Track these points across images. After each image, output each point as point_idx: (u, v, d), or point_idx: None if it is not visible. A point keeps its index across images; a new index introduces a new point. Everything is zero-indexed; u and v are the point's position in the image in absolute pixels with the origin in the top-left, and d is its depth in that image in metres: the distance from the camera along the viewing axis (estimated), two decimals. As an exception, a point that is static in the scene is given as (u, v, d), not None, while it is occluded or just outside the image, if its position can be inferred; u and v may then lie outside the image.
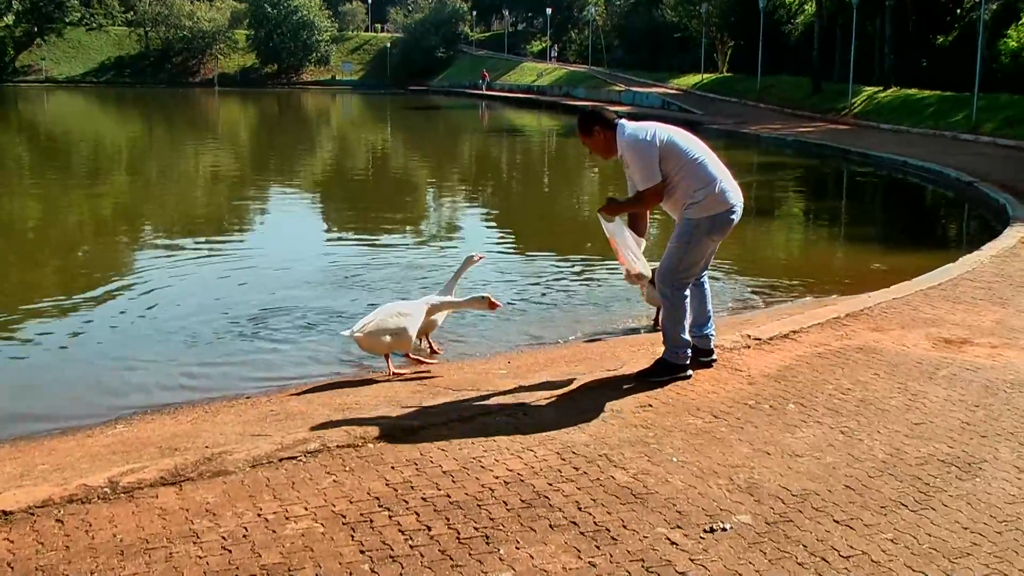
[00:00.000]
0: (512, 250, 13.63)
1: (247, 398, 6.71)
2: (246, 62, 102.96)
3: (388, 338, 6.82)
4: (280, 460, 4.56)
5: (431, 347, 7.84)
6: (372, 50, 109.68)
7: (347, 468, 4.51)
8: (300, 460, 4.59)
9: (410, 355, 7.15)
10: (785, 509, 4.13)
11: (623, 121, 6.03)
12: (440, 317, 7.49)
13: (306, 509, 4.05)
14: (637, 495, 4.25)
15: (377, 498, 4.17)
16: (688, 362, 6.06)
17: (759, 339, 6.88)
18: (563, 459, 4.66)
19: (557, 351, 7.84)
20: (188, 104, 66.63)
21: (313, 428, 5.03)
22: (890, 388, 5.83)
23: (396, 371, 7.01)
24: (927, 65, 41.67)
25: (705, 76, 58.64)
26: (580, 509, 4.10)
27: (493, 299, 7.02)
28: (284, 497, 4.17)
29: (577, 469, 4.53)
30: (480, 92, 75.94)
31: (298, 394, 6.68)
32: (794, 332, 7.11)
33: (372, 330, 6.76)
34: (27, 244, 14.07)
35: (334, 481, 4.35)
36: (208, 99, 73.58)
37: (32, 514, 3.97)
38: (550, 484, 4.35)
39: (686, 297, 6.00)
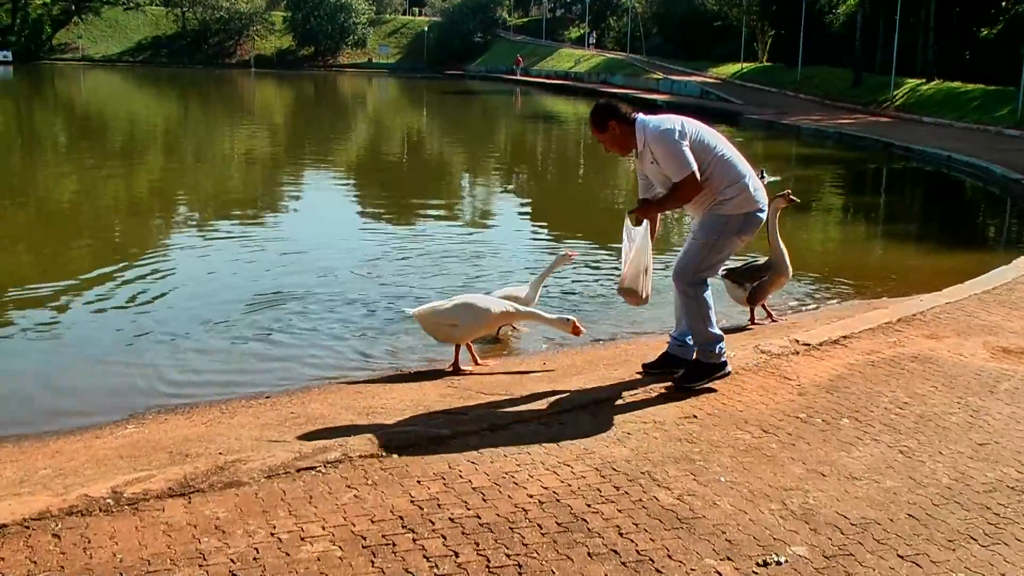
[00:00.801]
0: (547, 241, 13.26)
1: (267, 398, 6.39)
2: (283, 44, 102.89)
3: (450, 328, 6.70)
4: (298, 471, 4.25)
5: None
6: (409, 33, 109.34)
7: (369, 481, 4.19)
8: (319, 471, 4.27)
9: (469, 347, 6.92)
10: (844, 540, 3.78)
11: (641, 115, 5.67)
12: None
13: (323, 528, 3.74)
14: (683, 520, 3.91)
15: (401, 517, 3.85)
16: (724, 358, 5.73)
17: (808, 344, 6.51)
18: (602, 476, 4.32)
19: (596, 352, 7.50)
20: (224, 85, 66.52)
21: (335, 434, 4.72)
22: (949, 402, 5.46)
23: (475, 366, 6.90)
24: (971, 58, 41.03)
25: (745, 65, 58.02)
26: (621, 535, 3.77)
27: (579, 324, 6.61)
28: (300, 514, 3.86)
29: (618, 488, 4.19)
30: (516, 78, 75.81)
31: (321, 394, 6.36)
32: (844, 338, 6.74)
33: (439, 315, 6.71)
34: (54, 225, 13.86)
35: (355, 496, 4.03)
36: (244, 81, 73.45)
37: (27, 527, 3.67)
38: (588, 505, 4.02)
39: (707, 289, 5.70)
